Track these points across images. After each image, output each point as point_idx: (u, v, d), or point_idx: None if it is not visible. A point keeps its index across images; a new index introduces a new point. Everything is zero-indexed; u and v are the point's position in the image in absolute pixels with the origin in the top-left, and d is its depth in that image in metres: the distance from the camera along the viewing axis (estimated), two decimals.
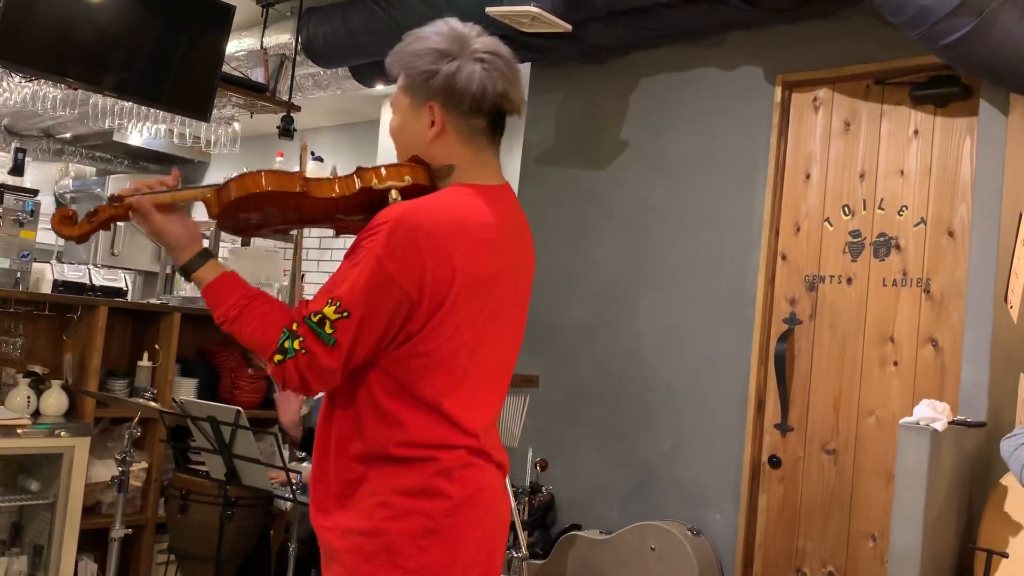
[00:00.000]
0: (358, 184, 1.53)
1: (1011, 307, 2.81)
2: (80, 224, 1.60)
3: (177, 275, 4.59)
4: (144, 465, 3.67)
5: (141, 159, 7.17)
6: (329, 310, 1.42)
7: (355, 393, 1.50)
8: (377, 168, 1.55)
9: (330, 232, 1.74)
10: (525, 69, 4.08)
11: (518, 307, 1.63)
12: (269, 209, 1.56)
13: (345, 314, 1.41)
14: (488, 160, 1.59)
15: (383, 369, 1.47)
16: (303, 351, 1.41)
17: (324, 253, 6.08)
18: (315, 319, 1.42)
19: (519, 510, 3.03)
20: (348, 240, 1.55)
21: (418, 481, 1.47)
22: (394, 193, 1.51)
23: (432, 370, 1.48)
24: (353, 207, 1.55)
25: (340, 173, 1.58)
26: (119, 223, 1.79)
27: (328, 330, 1.41)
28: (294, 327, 1.43)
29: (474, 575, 1.51)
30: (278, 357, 1.43)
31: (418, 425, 1.48)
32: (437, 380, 1.49)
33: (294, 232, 1.77)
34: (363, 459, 1.49)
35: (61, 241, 7.02)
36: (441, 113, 1.53)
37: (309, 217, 1.59)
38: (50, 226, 1.59)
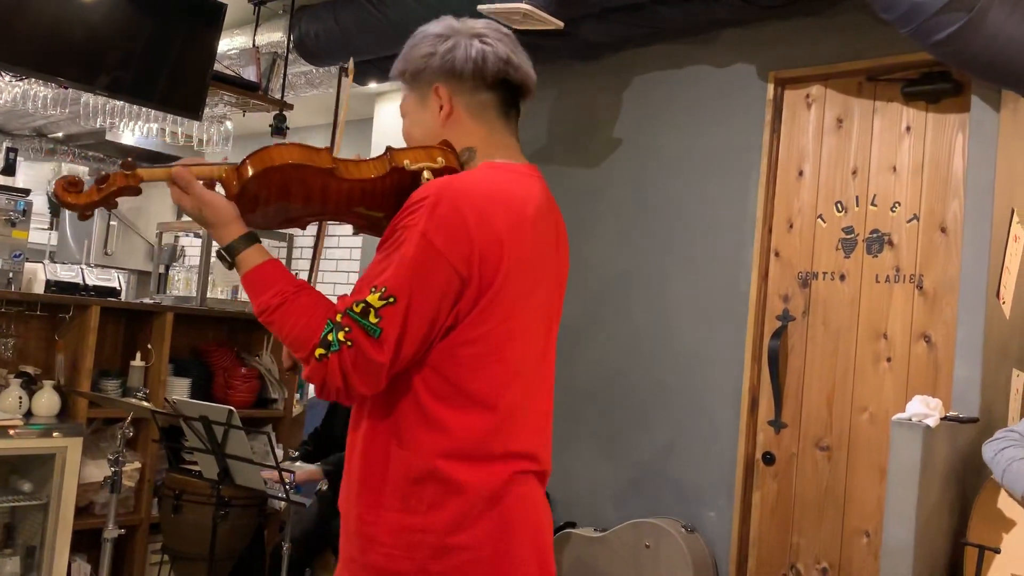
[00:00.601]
0: (390, 164, 1.44)
1: (1003, 303, 2.81)
2: (88, 191, 1.39)
3: (171, 274, 4.58)
4: (137, 465, 3.66)
5: (134, 158, 7.14)
6: (373, 297, 1.30)
7: (392, 398, 1.38)
8: (409, 149, 1.47)
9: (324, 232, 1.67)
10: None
11: (558, 295, 1.57)
12: (292, 191, 1.42)
13: (391, 299, 1.30)
14: (507, 140, 1.53)
15: (429, 367, 1.36)
16: (348, 343, 1.29)
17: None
18: (358, 309, 1.30)
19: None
20: (364, 244, 1.48)
21: (461, 508, 1.34)
22: (427, 174, 1.43)
23: (484, 359, 1.37)
24: (382, 192, 1.45)
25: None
26: (113, 210, 1.66)
27: (373, 319, 1.29)
28: (338, 319, 1.31)
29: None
30: (320, 351, 1.30)
31: (468, 431, 1.36)
32: (489, 370, 1.38)
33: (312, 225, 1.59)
34: (398, 481, 1.36)
35: (54, 240, 7.01)
36: (447, 92, 1.48)
37: (333, 203, 1.45)
38: (53, 192, 1.40)
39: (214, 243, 4.56)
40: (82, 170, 7.27)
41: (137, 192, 1.41)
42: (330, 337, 1.30)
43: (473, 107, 1.49)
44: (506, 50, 1.48)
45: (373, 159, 1.47)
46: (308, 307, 1.34)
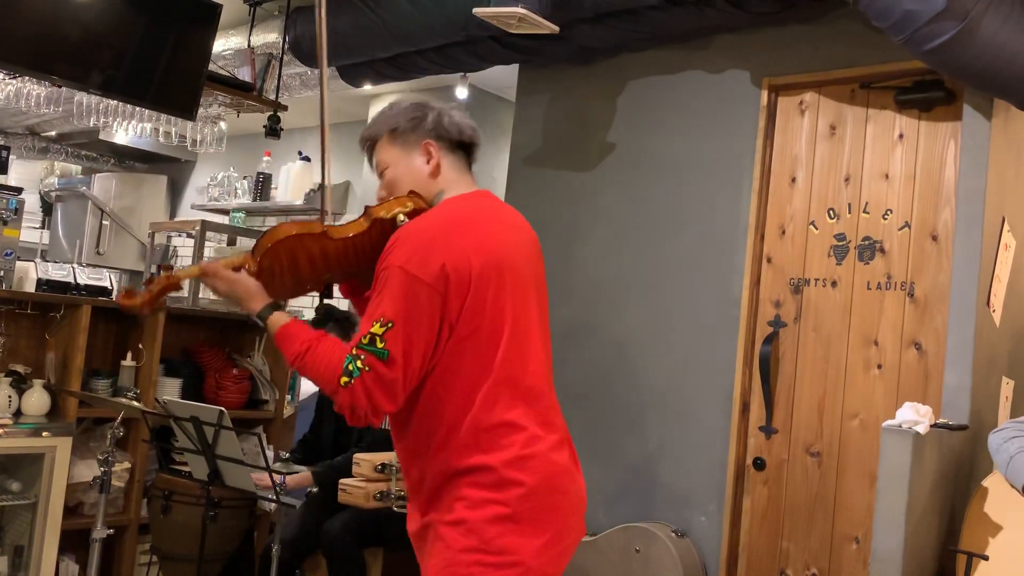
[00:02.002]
0: (370, 219, 1.76)
1: (993, 311, 2.82)
2: (142, 294, 1.77)
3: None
4: (127, 465, 3.65)
5: (127, 158, 7.14)
6: (376, 327, 1.62)
7: (419, 406, 1.70)
8: (382, 203, 1.80)
9: None
10: (512, 71, 4.08)
11: (539, 289, 1.92)
12: (297, 258, 1.76)
13: (389, 325, 1.61)
14: (467, 179, 1.91)
15: (443, 368, 1.67)
16: (366, 368, 1.60)
17: None
18: (366, 340, 1.62)
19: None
20: None
21: (490, 472, 1.66)
22: (401, 216, 1.74)
23: (484, 340, 1.69)
24: (371, 244, 1.75)
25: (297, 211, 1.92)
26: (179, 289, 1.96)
27: (380, 344, 1.60)
28: (353, 352, 1.62)
29: (551, 555, 1.71)
30: (344, 379, 1.61)
31: (485, 403, 1.68)
32: (491, 344, 1.69)
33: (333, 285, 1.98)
34: (443, 466, 1.70)
35: (46, 239, 6.99)
36: (436, 148, 1.85)
37: (334, 261, 1.78)
38: (120, 306, 1.80)
39: (205, 249, 4.55)
40: (75, 169, 7.26)
41: (179, 288, 1.86)
42: (350, 367, 1.62)
43: (450, 160, 1.88)
44: (469, 121, 1.93)
45: (356, 220, 1.81)
46: (329, 349, 1.66)
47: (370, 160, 1.96)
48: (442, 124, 1.87)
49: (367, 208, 1.82)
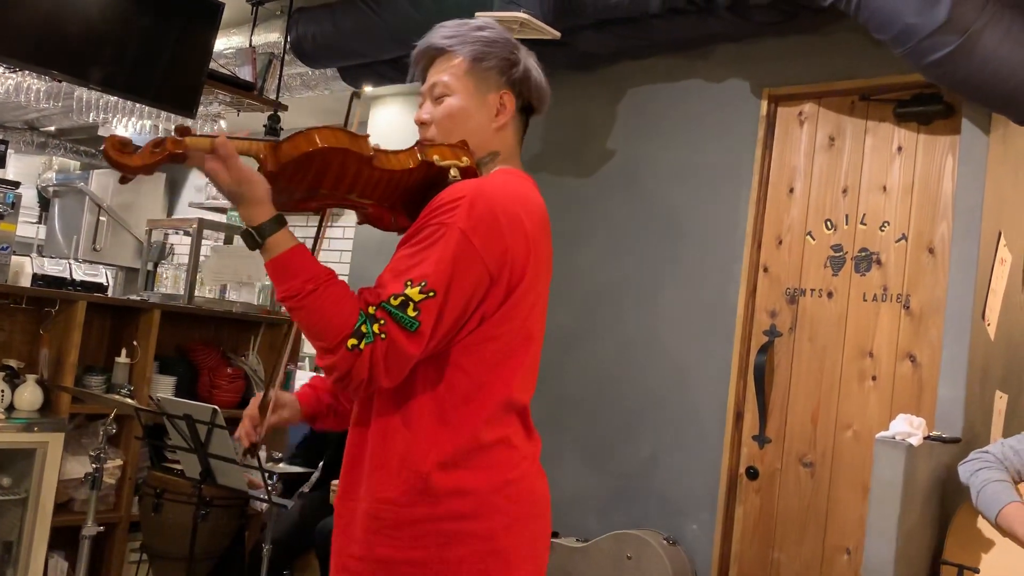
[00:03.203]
0: (420, 158, 1.47)
1: (988, 325, 2.83)
2: (141, 154, 1.32)
3: (160, 271, 4.56)
4: (119, 462, 3.64)
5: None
6: (413, 291, 1.33)
7: (408, 393, 1.41)
8: (438, 146, 1.50)
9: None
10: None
11: (547, 298, 1.64)
12: (327, 175, 1.42)
13: (431, 293, 1.33)
14: (519, 151, 1.64)
15: (452, 363, 1.41)
16: (382, 336, 1.31)
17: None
18: (395, 302, 1.32)
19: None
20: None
21: (474, 500, 1.40)
22: (454, 172, 1.47)
23: (507, 355, 1.45)
24: (406, 185, 1.47)
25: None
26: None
27: (411, 313, 1.32)
28: (371, 311, 1.32)
29: None
30: (352, 342, 1.30)
31: (484, 424, 1.43)
32: (510, 366, 1.46)
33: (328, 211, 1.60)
34: (413, 474, 1.40)
35: (42, 234, 6.97)
36: (511, 103, 1.57)
37: (359, 190, 1.46)
38: (103, 150, 1.32)
39: (202, 247, 4.54)
40: (73, 164, 7.25)
41: (182, 160, 1.35)
42: (364, 328, 1.31)
43: (515, 122, 1.61)
44: (547, 88, 1.63)
45: (404, 151, 1.49)
46: (341, 297, 1.34)
47: (422, 70, 1.61)
48: (528, 81, 1.58)
49: (419, 143, 1.52)
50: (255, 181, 1.36)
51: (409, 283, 1.34)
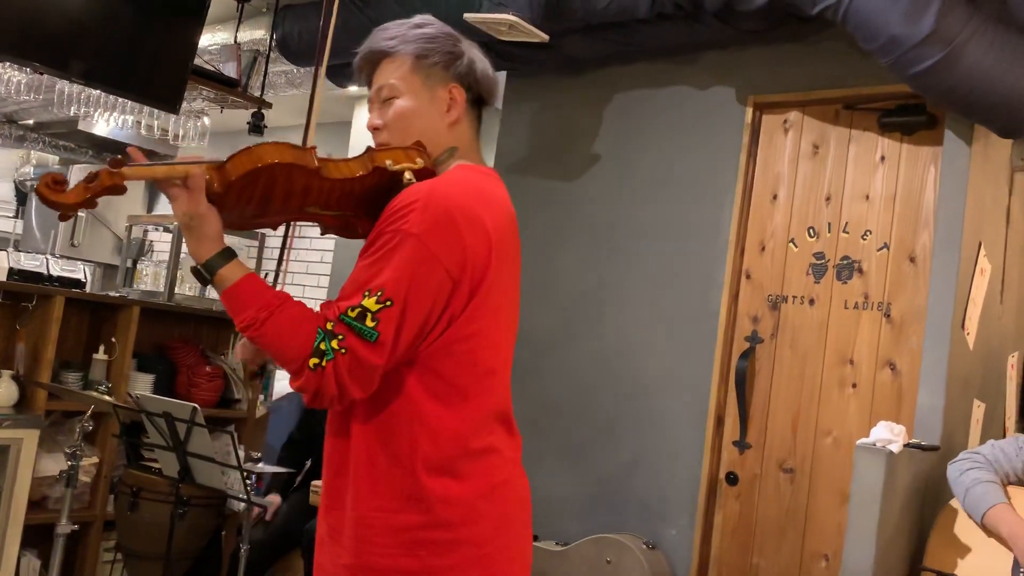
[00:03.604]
0: (372, 164, 1.44)
1: (968, 334, 2.86)
2: (75, 189, 1.31)
3: (139, 268, 4.52)
4: (95, 460, 3.59)
5: (106, 150, 7.05)
6: (370, 302, 1.32)
7: (386, 401, 1.40)
8: (390, 149, 1.47)
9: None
10: (500, 78, 4.07)
11: (518, 294, 1.61)
12: (275, 190, 1.40)
13: (388, 303, 1.32)
14: (478, 144, 1.61)
15: (424, 366, 1.40)
16: (343, 351, 1.30)
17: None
18: (353, 314, 1.32)
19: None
20: (336, 247, 1.49)
21: (464, 507, 1.40)
22: (408, 175, 1.43)
23: (478, 354, 1.43)
24: (360, 192, 1.45)
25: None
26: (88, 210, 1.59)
27: (370, 323, 1.31)
28: (329, 326, 1.32)
29: None
30: (314, 361, 1.30)
31: (464, 425, 1.42)
32: (484, 365, 1.44)
33: (281, 227, 1.62)
34: (397, 481, 1.39)
35: (19, 228, 6.88)
36: (461, 96, 1.54)
37: (312, 202, 1.44)
38: (36, 190, 1.31)
39: (183, 244, 4.50)
40: (52, 159, 7.17)
41: (122, 191, 1.35)
42: (323, 346, 1.31)
43: (469, 114, 1.57)
44: (496, 76, 1.61)
45: (354, 159, 1.46)
46: (296, 319, 1.34)
47: (367, 76, 1.59)
48: (475, 72, 1.55)
49: (370, 149, 1.48)
50: (211, 219, 1.36)
51: (367, 293, 1.33)
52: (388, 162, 1.44)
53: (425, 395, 1.40)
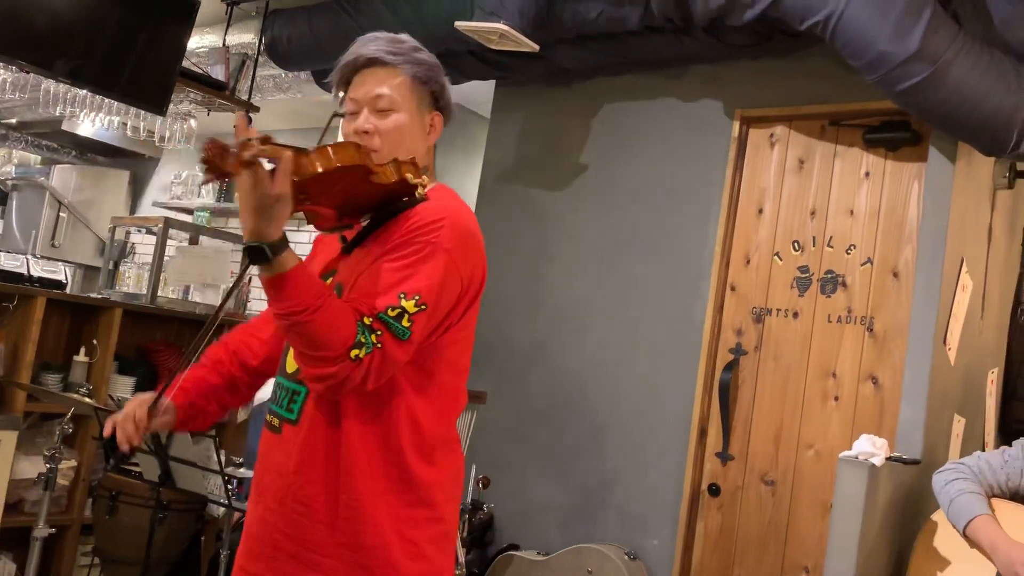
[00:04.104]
0: (399, 175, 1.50)
1: (949, 349, 2.89)
2: (233, 159, 1.29)
3: (122, 270, 4.48)
4: (73, 463, 3.56)
5: (89, 150, 7.01)
6: (408, 304, 1.44)
7: (377, 392, 1.50)
8: (407, 163, 1.52)
9: None
10: (488, 87, 4.09)
11: None
12: (332, 188, 1.45)
13: (424, 307, 1.46)
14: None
15: (415, 364, 1.52)
16: (379, 345, 1.41)
17: None
18: (392, 313, 1.43)
19: (459, 528, 3.00)
20: None
21: (442, 491, 1.58)
22: (420, 190, 1.51)
23: (460, 356, 1.61)
24: (378, 196, 1.52)
25: None
26: None
27: (405, 323, 1.43)
28: (367, 321, 1.42)
29: None
30: (356, 352, 1.39)
31: (442, 417, 1.58)
32: (463, 363, 1.62)
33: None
34: (392, 464, 1.53)
35: (0, 228, 6.81)
36: (440, 124, 1.68)
37: (340, 198, 1.49)
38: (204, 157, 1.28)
39: (167, 247, 4.46)
40: (34, 159, 7.11)
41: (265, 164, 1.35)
42: (363, 339, 1.41)
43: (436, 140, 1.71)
44: None
45: (386, 166, 1.51)
46: (342, 310, 1.42)
47: (345, 80, 1.64)
48: (450, 106, 1.69)
49: (397, 160, 1.53)
50: (289, 202, 1.37)
51: (403, 295, 1.45)
52: (409, 175, 1.51)
53: (411, 389, 1.54)
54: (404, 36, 1.67)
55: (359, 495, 1.51)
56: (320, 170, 1.39)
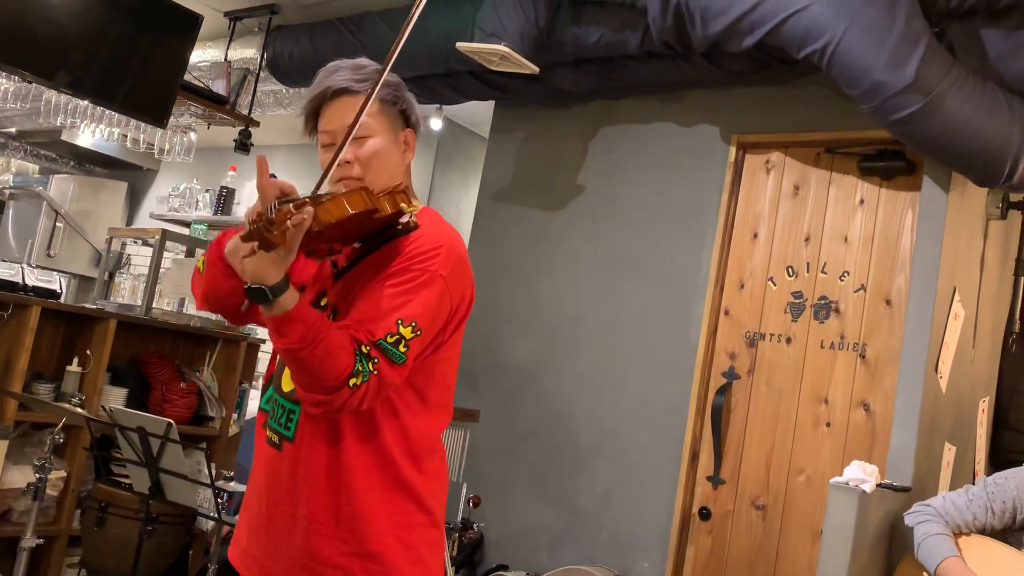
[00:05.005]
0: (396, 205, 1.54)
1: (941, 377, 2.90)
2: (279, 226, 1.33)
3: (117, 281, 4.48)
4: (63, 474, 3.54)
5: (88, 161, 7.03)
6: (406, 330, 1.49)
7: (371, 410, 1.54)
8: (400, 193, 1.56)
9: None
10: (488, 107, 4.12)
11: None
12: (338, 231, 1.47)
13: (419, 333, 1.51)
14: None
15: (406, 383, 1.55)
16: (375, 372, 1.45)
17: None
18: (391, 340, 1.47)
19: (448, 546, 3.00)
20: None
21: (433, 498, 1.64)
22: (413, 218, 1.55)
23: (448, 374, 1.68)
24: (372, 226, 1.55)
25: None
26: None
27: (402, 349, 1.48)
28: (364, 349, 1.45)
29: None
30: (354, 380, 1.43)
31: (432, 430, 1.65)
32: (449, 380, 1.69)
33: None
34: (389, 475, 1.58)
35: None
36: (413, 141, 1.72)
37: (340, 237, 1.53)
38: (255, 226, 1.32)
39: (164, 259, 4.46)
40: (32, 168, 7.12)
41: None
42: (360, 367, 1.44)
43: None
44: None
45: (386, 196, 1.54)
46: (340, 342, 1.44)
47: (314, 113, 1.66)
48: (419, 121, 1.74)
49: (393, 191, 1.57)
50: (295, 251, 1.40)
51: (400, 322, 1.49)
52: (403, 205, 1.55)
53: (403, 406, 1.60)
54: (364, 60, 1.68)
55: (361, 506, 1.57)
56: (334, 221, 1.42)
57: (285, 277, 1.41)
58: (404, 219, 1.56)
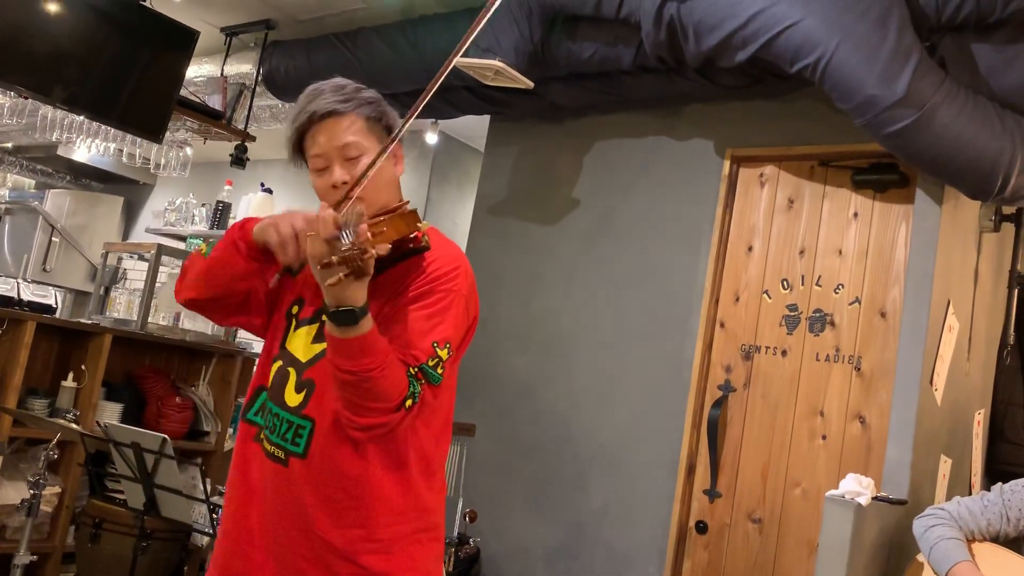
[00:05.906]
0: (409, 227, 1.52)
1: (936, 390, 2.90)
2: (340, 259, 1.36)
3: (112, 295, 4.48)
4: (57, 490, 3.53)
5: (83, 176, 7.03)
6: (443, 352, 1.54)
7: (394, 435, 1.54)
8: (414, 213, 1.53)
9: None
10: (483, 121, 4.14)
11: None
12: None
13: (452, 353, 1.56)
14: None
15: (426, 402, 1.54)
16: (419, 393, 1.50)
17: None
18: (432, 363, 1.52)
19: (445, 561, 2.98)
20: None
21: (439, 515, 1.67)
22: (427, 239, 1.56)
23: (455, 384, 1.70)
24: (400, 251, 1.55)
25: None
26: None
27: (440, 371, 1.53)
28: (412, 371, 1.50)
29: None
30: (408, 402, 1.48)
31: (438, 447, 1.66)
32: (451, 395, 1.69)
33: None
34: (410, 494, 1.60)
35: None
36: (402, 154, 1.72)
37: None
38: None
39: (160, 274, 4.46)
40: (29, 183, 7.12)
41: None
42: (410, 389, 1.49)
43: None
44: None
45: (407, 217, 1.52)
46: (399, 366, 1.49)
47: (299, 137, 1.64)
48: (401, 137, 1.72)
49: (410, 212, 1.54)
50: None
51: (436, 344, 1.53)
52: (419, 224, 1.53)
53: (420, 422, 1.60)
54: (343, 80, 1.67)
55: (379, 527, 1.57)
56: (390, 244, 1.43)
57: (366, 300, 1.43)
58: (419, 240, 1.55)
